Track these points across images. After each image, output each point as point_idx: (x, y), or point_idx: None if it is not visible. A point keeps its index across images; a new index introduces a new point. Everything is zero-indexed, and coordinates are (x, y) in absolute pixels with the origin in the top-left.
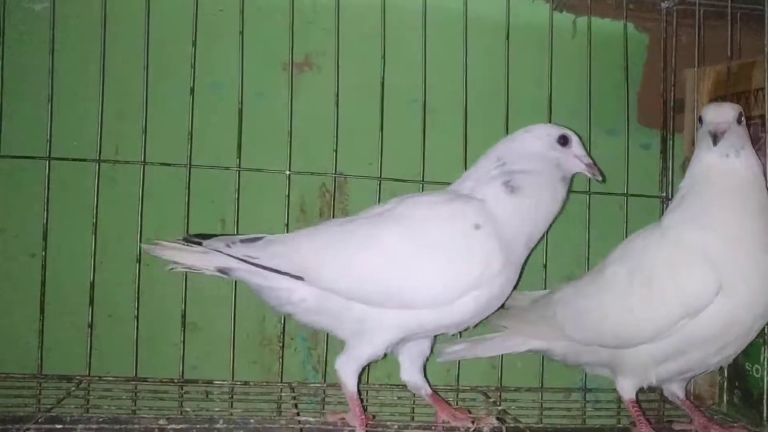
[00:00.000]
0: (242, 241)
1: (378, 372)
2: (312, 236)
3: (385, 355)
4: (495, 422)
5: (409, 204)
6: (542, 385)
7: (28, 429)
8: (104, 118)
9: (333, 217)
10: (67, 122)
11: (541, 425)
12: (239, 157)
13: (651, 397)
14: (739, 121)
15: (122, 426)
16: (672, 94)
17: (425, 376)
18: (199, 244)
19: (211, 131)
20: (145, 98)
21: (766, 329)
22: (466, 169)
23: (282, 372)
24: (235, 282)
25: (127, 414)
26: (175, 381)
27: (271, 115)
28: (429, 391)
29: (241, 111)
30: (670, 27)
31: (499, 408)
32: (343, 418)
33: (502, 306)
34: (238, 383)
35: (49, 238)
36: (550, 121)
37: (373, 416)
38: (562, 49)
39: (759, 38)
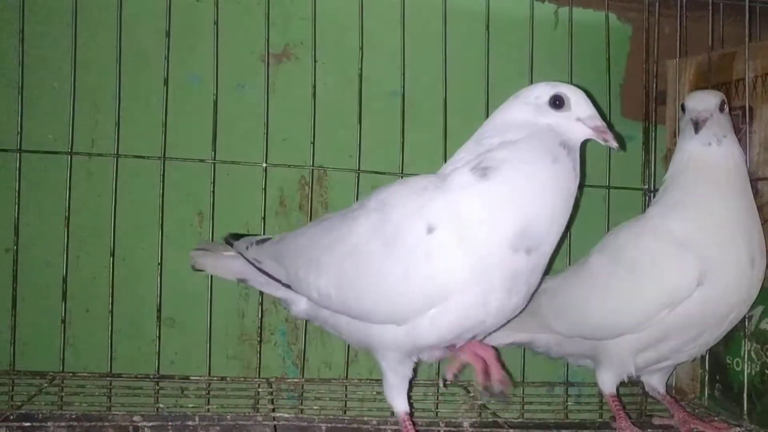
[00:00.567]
0: (257, 242)
1: (359, 368)
2: (295, 239)
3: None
4: None
5: (370, 218)
6: (524, 379)
7: None
8: (80, 110)
9: (311, 210)
10: (42, 115)
11: (521, 420)
12: (214, 149)
13: (633, 391)
14: (721, 109)
15: (94, 423)
16: (654, 86)
17: None
18: (231, 245)
19: (188, 124)
20: (117, 90)
21: (746, 323)
22: (445, 161)
23: (261, 367)
24: (211, 276)
25: (101, 411)
26: (151, 377)
27: (250, 107)
28: None
29: (216, 102)
30: (652, 17)
31: (479, 402)
32: None
33: None
34: (215, 379)
35: (22, 232)
36: None
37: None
38: (544, 40)
39: (742, 29)
